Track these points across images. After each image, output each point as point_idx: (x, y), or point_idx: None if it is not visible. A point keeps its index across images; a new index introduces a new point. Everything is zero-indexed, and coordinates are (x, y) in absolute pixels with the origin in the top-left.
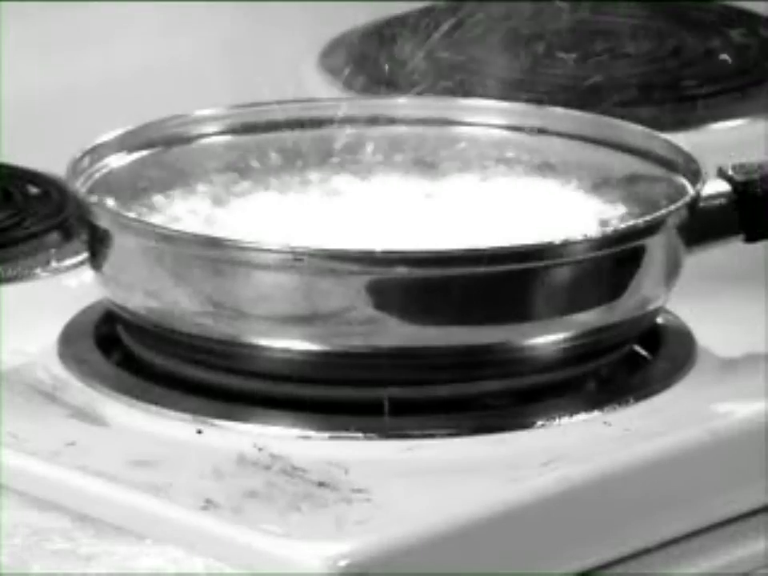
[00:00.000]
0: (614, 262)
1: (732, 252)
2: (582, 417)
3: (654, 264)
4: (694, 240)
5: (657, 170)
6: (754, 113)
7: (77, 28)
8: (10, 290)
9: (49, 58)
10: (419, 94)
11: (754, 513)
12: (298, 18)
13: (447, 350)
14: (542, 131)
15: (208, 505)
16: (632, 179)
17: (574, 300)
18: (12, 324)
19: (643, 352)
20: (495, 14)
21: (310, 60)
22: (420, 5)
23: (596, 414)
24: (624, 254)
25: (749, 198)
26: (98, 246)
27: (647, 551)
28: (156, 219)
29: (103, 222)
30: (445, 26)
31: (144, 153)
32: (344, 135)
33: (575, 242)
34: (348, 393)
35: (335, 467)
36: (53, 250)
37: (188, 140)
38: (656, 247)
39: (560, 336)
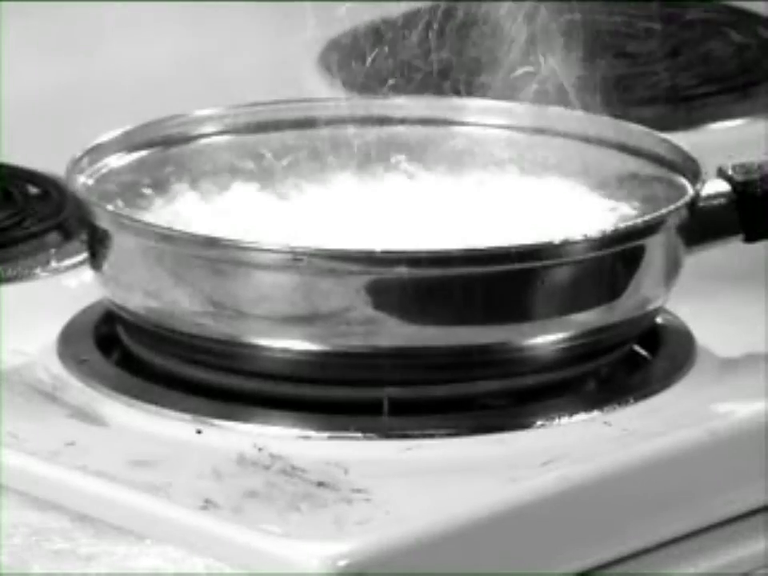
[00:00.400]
0: (614, 261)
1: (732, 252)
2: (581, 417)
3: (654, 264)
4: (694, 240)
5: (657, 170)
6: (754, 113)
7: (77, 28)
8: (10, 289)
9: (49, 58)
10: (418, 94)
11: (753, 513)
12: (297, 18)
13: (447, 349)
14: (541, 131)
15: (207, 505)
16: (632, 179)
17: (574, 300)
18: (12, 324)
19: (643, 352)
20: (493, 14)
21: (310, 60)
22: (420, 5)
23: (595, 413)
24: (624, 253)
25: (749, 197)
26: (97, 245)
27: (647, 551)
28: (156, 219)
29: (103, 222)
30: (444, 26)
31: (144, 153)
32: (344, 135)
33: (574, 242)
34: (348, 393)
35: (335, 467)
36: (52, 250)
37: (188, 140)
38: (656, 247)
39: (559, 336)
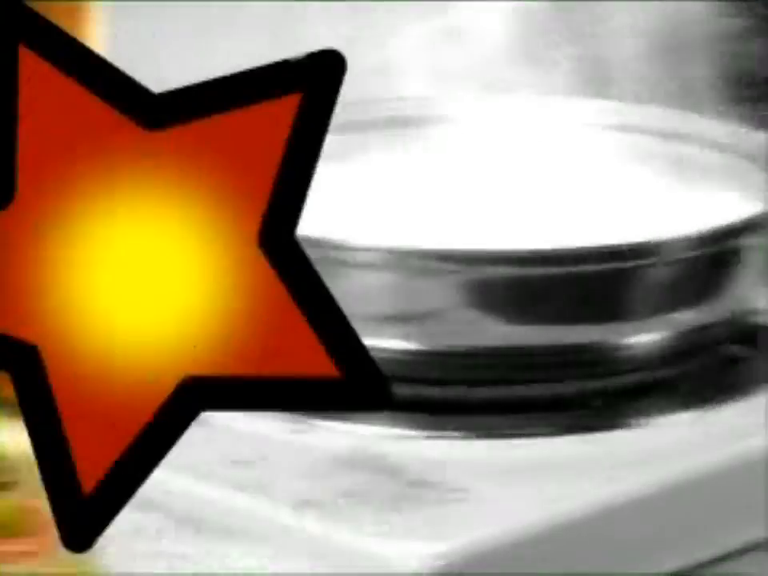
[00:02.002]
0: (712, 261)
1: None
2: (678, 416)
3: (753, 264)
4: None
5: (756, 170)
6: None
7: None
8: None
9: None
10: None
11: None
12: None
13: (544, 349)
14: (631, 129)
15: (304, 504)
16: (731, 178)
17: (671, 299)
18: None
19: (740, 352)
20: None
21: None
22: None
23: (693, 413)
24: (722, 253)
25: None
26: None
27: (745, 551)
28: None
29: None
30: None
31: None
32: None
33: (672, 241)
34: (445, 392)
35: (432, 467)
36: None
37: None
38: (754, 246)
39: (657, 335)
